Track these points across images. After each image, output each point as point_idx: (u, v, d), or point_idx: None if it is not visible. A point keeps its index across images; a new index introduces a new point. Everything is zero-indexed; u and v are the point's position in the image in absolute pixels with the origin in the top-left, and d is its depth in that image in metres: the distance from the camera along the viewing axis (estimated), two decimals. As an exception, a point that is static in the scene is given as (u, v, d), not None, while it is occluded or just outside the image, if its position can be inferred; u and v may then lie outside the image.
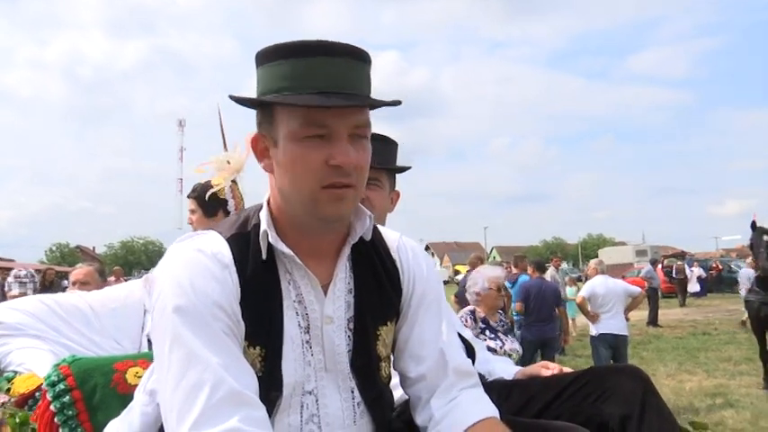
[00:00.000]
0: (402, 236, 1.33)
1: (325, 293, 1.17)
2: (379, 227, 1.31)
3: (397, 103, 1.14)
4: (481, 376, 1.86)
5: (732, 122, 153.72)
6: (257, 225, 1.14)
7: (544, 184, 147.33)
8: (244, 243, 1.13)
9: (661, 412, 1.44)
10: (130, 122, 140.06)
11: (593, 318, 7.04)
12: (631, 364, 1.59)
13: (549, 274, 10.82)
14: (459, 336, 1.85)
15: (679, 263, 22.81)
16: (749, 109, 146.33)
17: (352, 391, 1.19)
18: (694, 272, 22.89)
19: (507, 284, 8.38)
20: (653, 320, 14.92)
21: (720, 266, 26.22)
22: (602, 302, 6.94)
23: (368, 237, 1.21)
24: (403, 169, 2.08)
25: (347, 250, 1.20)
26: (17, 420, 1.62)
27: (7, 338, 2.12)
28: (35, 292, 4.74)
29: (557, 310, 7.48)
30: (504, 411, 1.58)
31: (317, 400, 1.15)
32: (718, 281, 25.27)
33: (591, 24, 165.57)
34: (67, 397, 1.53)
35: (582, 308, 7.34)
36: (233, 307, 1.06)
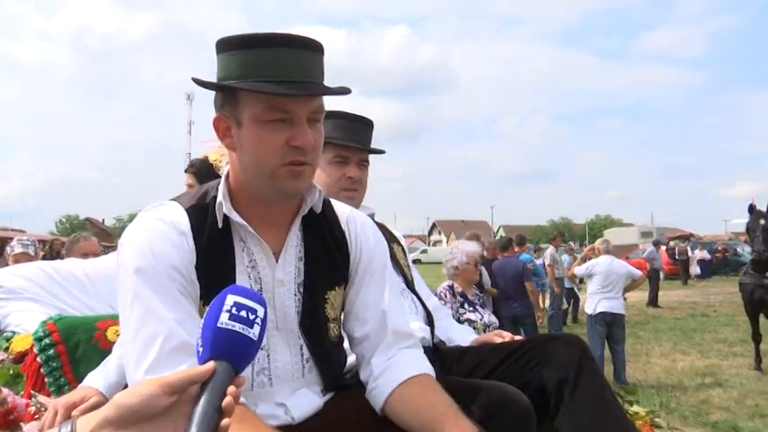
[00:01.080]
0: (353, 210, 1.45)
1: (277, 260, 1.29)
2: (333, 201, 1.43)
3: (347, 90, 1.27)
4: (441, 343, 2.00)
5: (745, 104, 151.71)
6: (215, 197, 1.26)
7: (553, 164, 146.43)
8: (202, 213, 1.25)
9: (595, 376, 1.56)
10: (139, 95, 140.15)
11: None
12: (571, 333, 1.72)
13: (549, 253, 10.95)
14: (423, 305, 1.99)
15: (682, 245, 22.86)
16: (763, 90, 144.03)
17: (301, 348, 1.31)
18: (696, 254, 22.91)
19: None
20: (653, 301, 15.03)
21: (726, 249, 26.17)
22: (605, 283, 7.06)
23: (318, 209, 1.33)
24: (382, 151, 2.20)
25: (298, 221, 1.32)
26: (11, 373, 1.78)
27: (6, 301, 2.27)
28: (35, 253, 4.91)
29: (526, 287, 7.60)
30: (456, 374, 1.72)
31: (267, 355, 1.28)
32: (724, 264, 25.25)
33: (605, 1, 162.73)
34: (52, 350, 1.69)
35: (571, 278, 7.59)
36: (188, 269, 1.19)
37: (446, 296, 4.01)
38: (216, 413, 0.82)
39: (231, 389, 0.84)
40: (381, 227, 2.01)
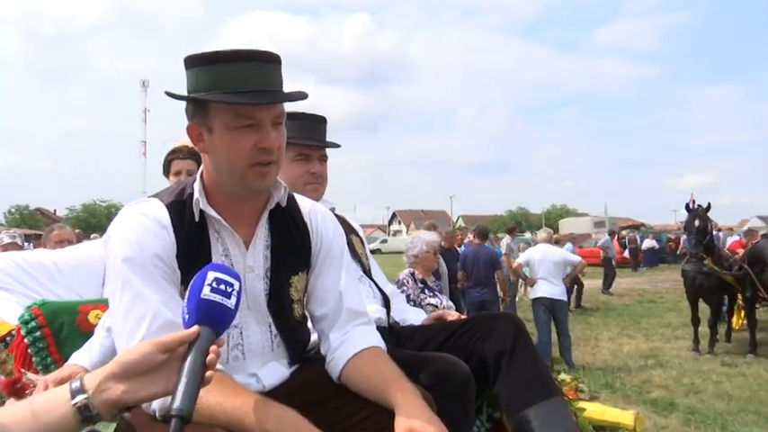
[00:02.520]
0: (314, 203, 1.63)
1: (248, 249, 1.46)
2: (296, 196, 1.60)
3: (304, 95, 1.44)
4: (396, 323, 2.21)
5: (695, 97, 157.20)
6: (192, 194, 1.42)
7: (511, 154, 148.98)
8: (180, 208, 1.41)
9: (528, 350, 1.79)
10: (92, 82, 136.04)
11: (529, 282, 7.74)
12: (509, 312, 1.95)
13: (505, 242, 11.32)
14: (379, 289, 2.19)
15: (632, 234, 23.76)
16: (713, 84, 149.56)
17: (270, 326, 1.49)
18: (645, 243, 23.84)
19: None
20: (606, 288, 15.63)
21: (678, 239, 27.20)
22: (537, 269, 7.50)
23: (283, 203, 1.50)
24: (338, 145, 2.38)
25: (266, 215, 1.49)
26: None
27: None
28: (23, 243, 5.11)
29: (496, 275, 7.95)
30: (408, 349, 1.92)
31: (240, 332, 1.45)
32: (675, 253, 26.28)
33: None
34: (38, 332, 1.83)
35: (517, 272, 8.07)
36: (170, 258, 1.35)
37: (408, 282, 4.19)
38: (201, 367, 1.00)
39: (213, 348, 1.03)
40: (341, 219, 2.20)
